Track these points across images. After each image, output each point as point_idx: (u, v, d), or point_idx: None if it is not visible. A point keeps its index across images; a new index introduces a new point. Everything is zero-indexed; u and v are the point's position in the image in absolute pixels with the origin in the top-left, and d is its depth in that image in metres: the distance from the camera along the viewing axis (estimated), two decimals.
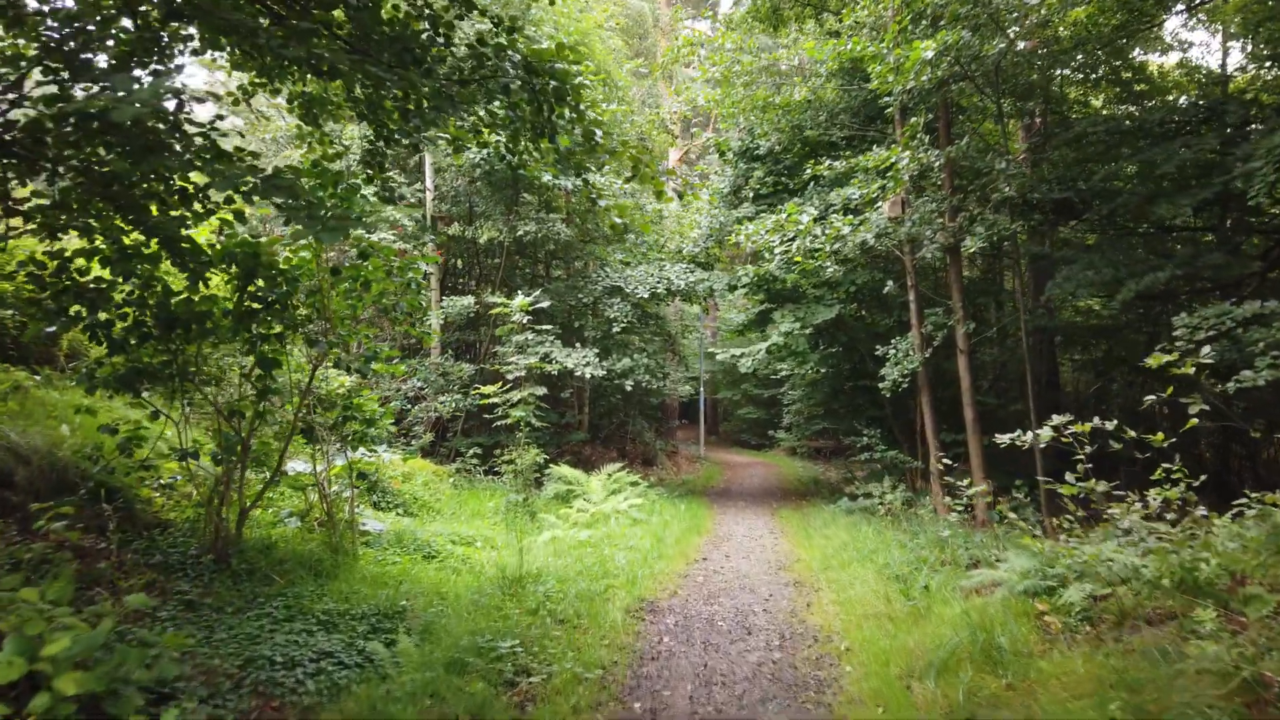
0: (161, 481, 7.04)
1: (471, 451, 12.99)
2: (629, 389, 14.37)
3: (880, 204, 10.43)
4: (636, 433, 22.89)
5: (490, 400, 11.55)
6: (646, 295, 14.74)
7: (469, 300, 13.58)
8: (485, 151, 13.08)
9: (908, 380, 11.82)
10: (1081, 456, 5.76)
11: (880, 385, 12.35)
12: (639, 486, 13.98)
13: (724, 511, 13.36)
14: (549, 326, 12.70)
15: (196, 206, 5.20)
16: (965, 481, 8.00)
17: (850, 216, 10.18)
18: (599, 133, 5.42)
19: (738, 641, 5.53)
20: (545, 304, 12.21)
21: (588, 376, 13.59)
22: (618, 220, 12.08)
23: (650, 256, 16.05)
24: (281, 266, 6.51)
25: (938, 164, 9.76)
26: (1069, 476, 5.46)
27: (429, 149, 14.17)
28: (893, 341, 12.40)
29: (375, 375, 13.37)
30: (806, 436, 26.87)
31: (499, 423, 12.19)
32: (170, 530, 6.69)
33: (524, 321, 11.74)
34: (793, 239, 10.45)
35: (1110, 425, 5.92)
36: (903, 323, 14.35)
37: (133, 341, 5.82)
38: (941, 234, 10.19)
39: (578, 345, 14.22)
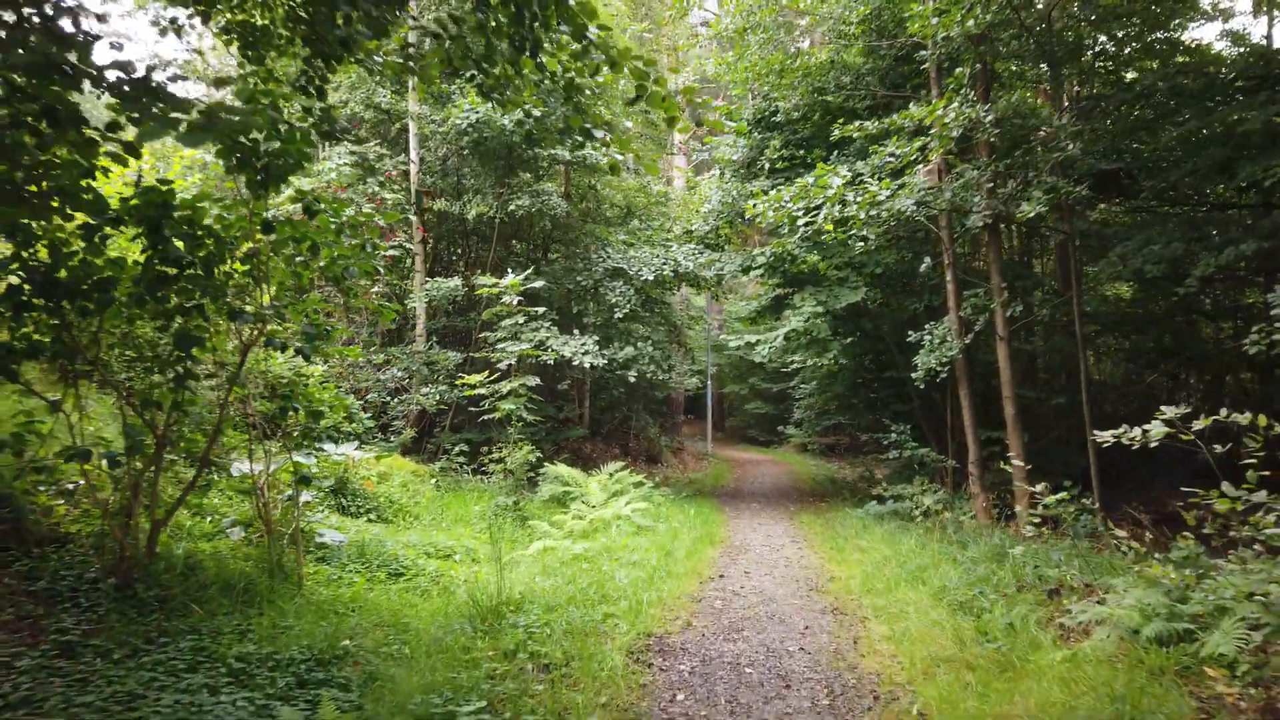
0: (61, 487, 5.77)
1: (458, 449, 11.71)
2: (632, 380, 13.10)
3: (918, 166, 9.11)
4: (640, 428, 21.62)
5: (477, 391, 10.26)
6: (651, 278, 13.44)
7: (456, 282, 12.28)
8: (473, 117, 11.79)
9: (946, 369, 10.51)
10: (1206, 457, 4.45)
11: (913, 376, 11.04)
12: (643, 487, 12.70)
13: (737, 516, 12.08)
14: (541, 308, 11.40)
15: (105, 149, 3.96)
16: (1039, 486, 6.70)
17: (887, 180, 8.85)
18: (593, 30, 4.12)
19: (774, 700, 4.24)
20: (538, 284, 10.91)
21: (587, 366, 12.30)
22: (618, 157, 10.83)
23: (655, 238, 14.73)
24: (209, 223, 5.24)
25: (988, 119, 8.43)
26: (1227, 486, 4.14)
27: (413, 117, 12.90)
28: (926, 326, 11.09)
29: (353, 364, 12.11)
30: (817, 432, 25.59)
31: (485, 417, 10.92)
32: (70, 547, 5.43)
33: (515, 304, 10.46)
34: (819, 207, 9.13)
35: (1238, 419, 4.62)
36: (933, 308, 13.03)
37: (4, 313, 4.55)
38: (990, 201, 8.86)
39: (576, 333, 12.94)
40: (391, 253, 11.88)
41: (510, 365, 12.36)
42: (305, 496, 7.50)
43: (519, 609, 5.65)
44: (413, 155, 13.29)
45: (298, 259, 5.77)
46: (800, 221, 9.38)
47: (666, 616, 5.82)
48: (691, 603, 6.28)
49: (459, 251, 14.54)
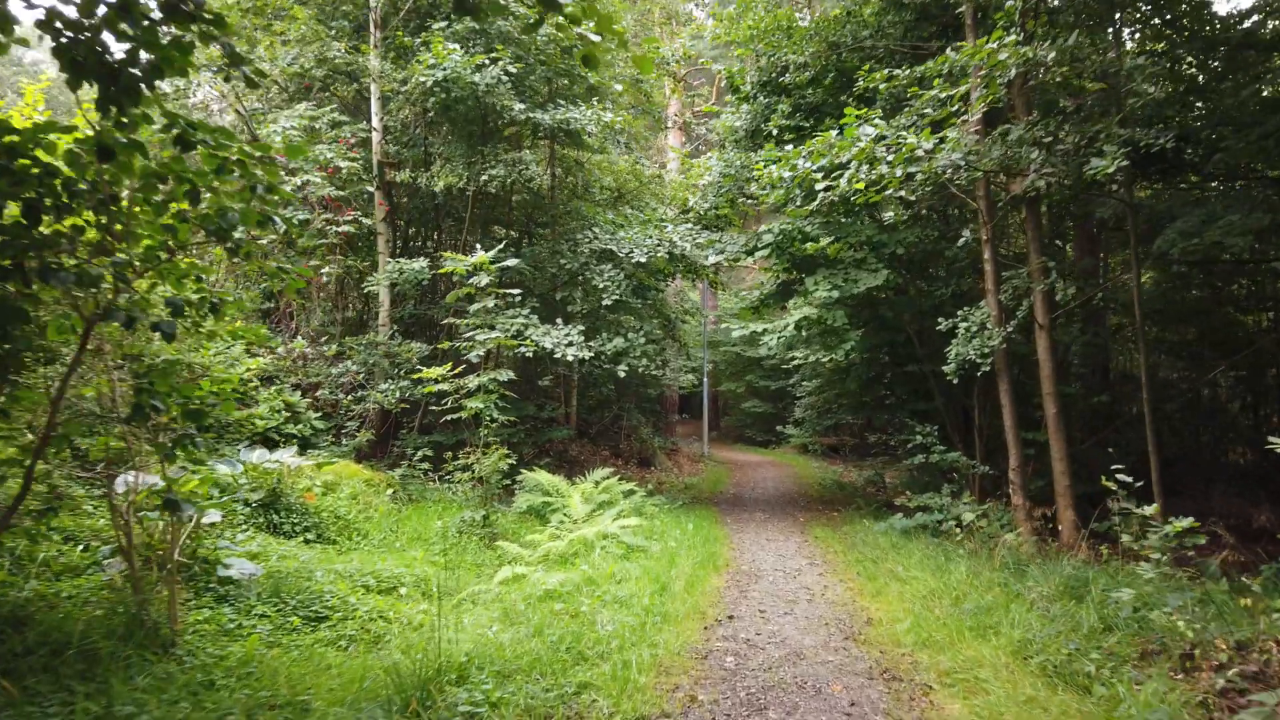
0: None
1: (420, 454, 10.19)
2: (622, 376, 11.62)
3: (962, 118, 7.63)
4: (632, 428, 20.16)
5: (438, 387, 8.75)
6: (644, 260, 11.95)
7: (422, 264, 10.75)
8: (439, 74, 10.25)
9: (989, 361, 9.07)
10: None
11: (945, 370, 9.59)
12: (634, 496, 11.21)
13: (741, 530, 10.60)
14: (517, 291, 9.88)
15: None
16: (1149, 511, 5.26)
17: (928, 130, 7.38)
18: None
19: None
20: (512, 262, 9.39)
21: (570, 359, 10.80)
22: (606, 117, 9.31)
23: (650, 217, 13.23)
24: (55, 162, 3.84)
25: (1049, 56, 6.96)
26: None
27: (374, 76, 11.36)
28: (961, 312, 9.63)
29: (301, 356, 10.56)
30: (819, 433, 24.16)
31: (448, 417, 9.41)
32: None
33: (485, 285, 8.94)
34: (842, 167, 7.65)
35: None
36: (962, 294, 11.59)
37: None
38: (1049, 158, 7.39)
39: (559, 322, 11.43)
40: (345, 228, 10.35)
41: (480, 358, 10.87)
42: (213, 516, 6.01)
43: (463, 678, 4.15)
44: (374, 120, 11.75)
45: (169, 207, 4.27)
46: (820, 185, 7.89)
47: (663, 686, 4.33)
48: (695, 661, 4.79)
49: (429, 232, 13.00)
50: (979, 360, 9.03)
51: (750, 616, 5.88)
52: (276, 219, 4.36)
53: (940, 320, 9.84)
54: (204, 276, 4.64)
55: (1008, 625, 5.08)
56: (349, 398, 10.15)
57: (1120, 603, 5.29)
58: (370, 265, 11.43)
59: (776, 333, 10.54)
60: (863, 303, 12.69)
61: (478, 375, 8.71)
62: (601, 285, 11.80)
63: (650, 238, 12.36)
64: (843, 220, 11.59)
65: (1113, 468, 5.29)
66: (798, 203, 9.55)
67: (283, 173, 10.71)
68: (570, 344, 11.05)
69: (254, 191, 4.30)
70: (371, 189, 11.06)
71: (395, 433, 11.93)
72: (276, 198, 4.40)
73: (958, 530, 8.39)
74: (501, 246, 8.91)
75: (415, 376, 8.55)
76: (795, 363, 20.85)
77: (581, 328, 11.43)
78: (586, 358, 11.15)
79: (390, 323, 11.82)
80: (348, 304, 12.08)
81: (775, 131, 11.50)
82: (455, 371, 8.77)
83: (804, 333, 10.81)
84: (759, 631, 5.47)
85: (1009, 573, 6.75)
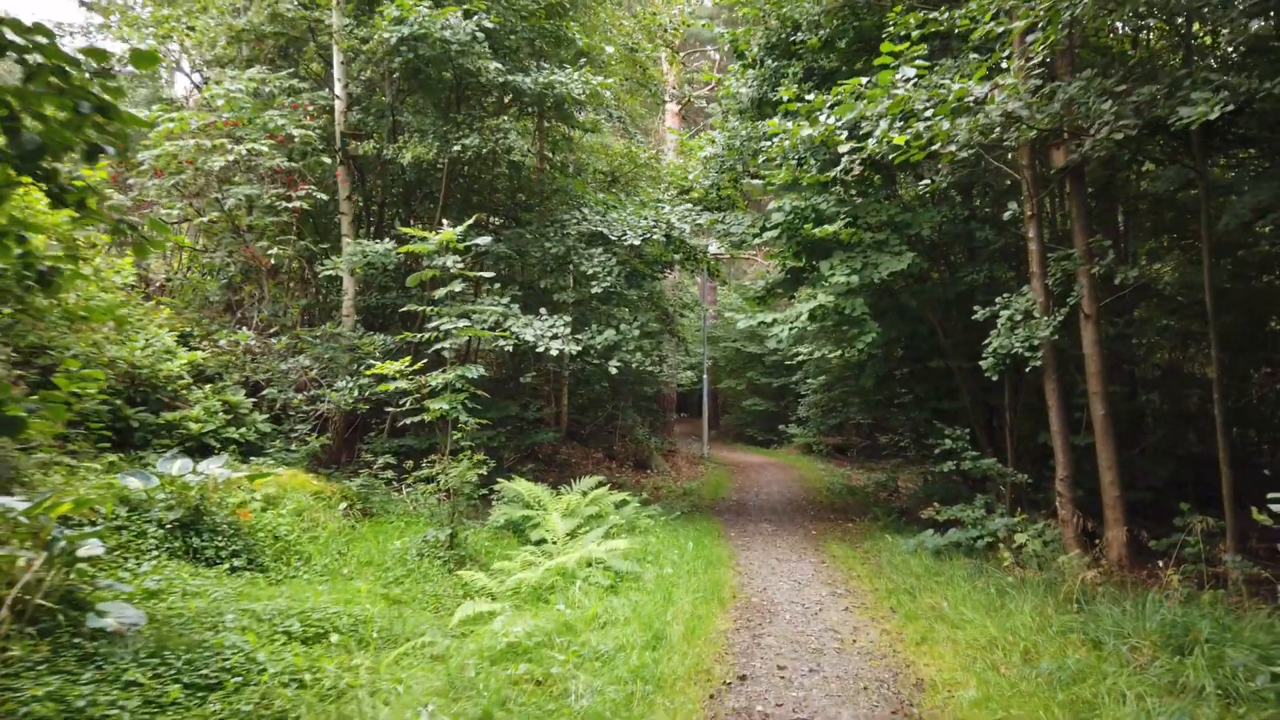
0: None
1: (382, 460, 8.94)
2: (614, 372, 10.37)
3: (1019, 62, 6.38)
4: (627, 429, 18.94)
5: (394, 385, 7.48)
6: (638, 242, 10.69)
7: (387, 245, 9.47)
8: (404, 30, 8.97)
9: (1038, 355, 7.85)
10: None
11: (982, 364, 8.36)
12: (628, 507, 9.99)
13: (748, 546, 9.36)
14: (490, 275, 8.61)
15: None
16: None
17: (981, 70, 6.12)
18: None
19: None
20: (484, 241, 8.12)
21: (554, 353, 9.56)
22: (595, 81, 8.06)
23: (646, 197, 11.98)
24: None
25: None
26: None
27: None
28: (1000, 300, 8.40)
29: (247, 349, 9.30)
30: (824, 432, 22.98)
31: (409, 420, 8.17)
32: None
33: (452, 267, 7.67)
34: (874, 127, 6.40)
35: None
36: (993, 281, 10.36)
37: None
38: (1121, 109, 6.13)
39: (544, 312, 10.19)
40: (298, 204, 9.07)
41: (453, 352, 9.63)
42: (94, 548, 4.80)
43: None
44: (337, 87, 10.47)
45: None
46: (844, 148, 6.64)
47: None
48: None
49: (400, 213, 11.71)
50: (1026, 354, 7.79)
51: (767, 676, 4.64)
52: (109, 149, 3.11)
53: (975, 309, 8.59)
54: (27, 235, 3.39)
55: (1109, 700, 3.85)
56: (300, 397, 8.88)
57: (1248, 668, 4.06)
58: (334, 249, 10.17)
59: (787, 323, 9.30)
60: (881, 291, 11.46)
61: (443, 371, 7.46)
62: (591, 271, 10.54)
63: (645, 219, 11.11)
64: (858, 199, 10.35)
65: (1268, 497, 4.04)
66: (814, 170, 8.29)
67: (228, 141, 9.51)
68: (555, 336, 9.81)
69: (79, 112, 3.04)
70: (329, 161, 9.78)
71: (362, 437, 10.69)
72: (116, 126, 3.15)
73: (1006, 555, 7.14)
74: (471, 222, 7.66)
75: (370, 373, 7.29)
76: (800, 359, 19.70)
77: (568, 318, 10.18)
78: (574, 352, 9.91)
79: (355, 313, 10.57)
80: (306, 291, 10.80)
81: (785, 99, 10.21)
82: (416, 367, 7.51)
83: (818, 324, 9.56)
84: (780, 701, 4.23)
85: (1082, 614, 5.52)
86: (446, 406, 7.43)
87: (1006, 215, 8.13)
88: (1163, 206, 11.14)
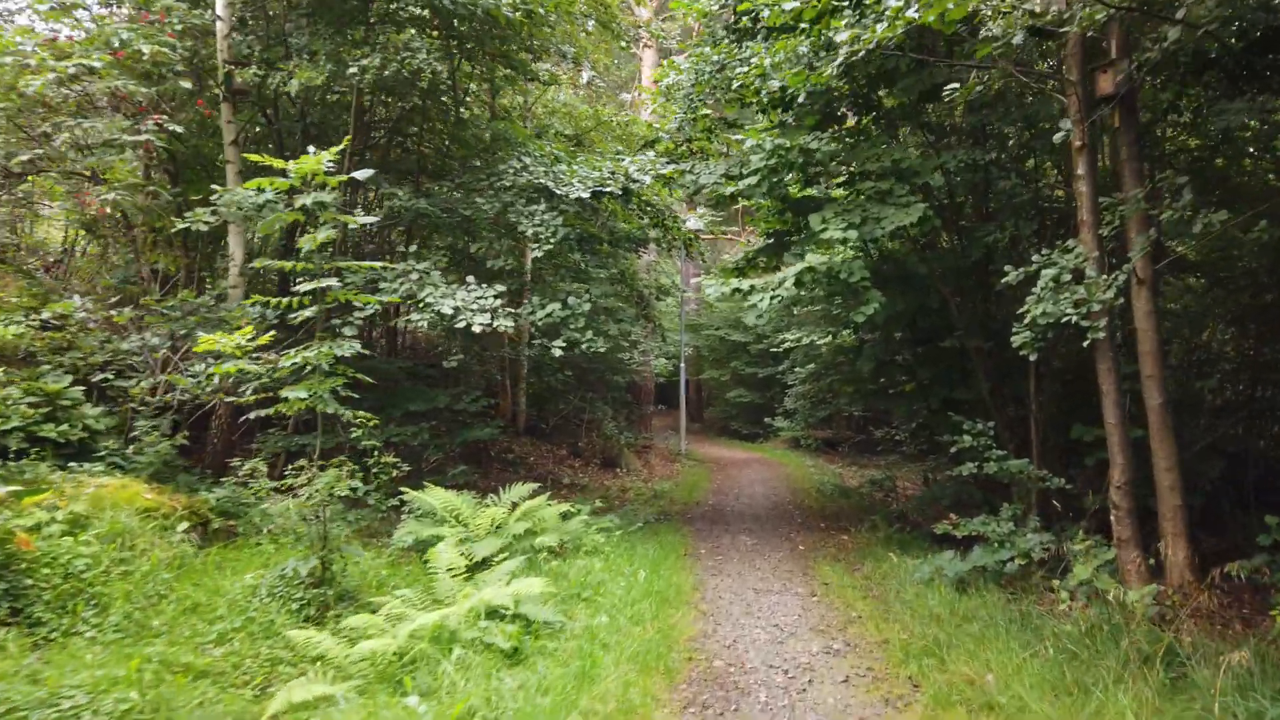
0: None
1: (250, 465, 6.99)
2: (558, 354, 8.45)
3: None
4: (596, 422, 17.05)
5: (235, 368, 5.52)
6: (586, 195, 8.77)
7: (267, 197, 7.49)
8: None
9: (1100, 325, 6.04)
10: None
11: (1016, 340, 6.52)
12: (575, 519, 8.16)
13: (719, 570, 7.50)
14: (372, 219, 6.64)
15: None
16: None
17: None
18: None
19: None
20: (363, 175, 6.13)
21: (476, 329, 7.64)
22: None
23: (605, 149, 10.03)
24: None
25: None
26: None
27: None
28: (1039, 257, 6.56)
29: (84, 325, 7.30)
30: (812, 425, 21.19)
31: (255, 414, 6.24)
32: None
33: (316, 208, 5.71)
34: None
35: None
36: (1019, 242, 8.53)
37: None
38: None
39: (470, 281, 8.27)
40: (148, 138, 7.08)
41: (361, 324, 7.76)
42: None
43: None
44: (218, 4, 8.45)
45: None
46: (842, 34, 4.74)
47: None
48: None
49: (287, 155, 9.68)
50: (1080, 323, 5.96)
51: None
52: None
53: (1005, 269, 6.73)
54: None
55: None
56: (141, 385, 6.90)
57: None
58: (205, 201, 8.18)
59: (768, 291, 7.40)
60: (881, 258, 9.62)
61: (303, 350, 5.52)
62: (531, 231, 8.61)
63: (599, 171, 9.19)
64: (857, 141, 8.49)
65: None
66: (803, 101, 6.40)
67: (52, 57, 7.51)
68: (481, 309, 7.89)
69: None
70: (190, 86, 7.77)
71: (252, 434, 8.76)
72: None
73: (1061, 595, 5.31)
74: (343, 146, 5.70)
75: (201, 348, 5.34)
76: (786, 346, 17.83)
77: (501, 288, 8.27)
78: (507, 328, 7.99)
79: (244, 281, 8.61)
80: (187, 254, 8.81)
81: (764, 24, 8.26)
82: (261, 341, 5.55)
83: (807, 293, 7.68)
84: None
85: (1183, 695, 3.69)
86: (306, 395, 5.48)
87: (1059, 136, 6.26)
88: (1205, 161, 9.26)
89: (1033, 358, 6.52)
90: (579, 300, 8.67)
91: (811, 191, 9.64)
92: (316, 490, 5.60)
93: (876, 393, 11.68)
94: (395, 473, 8.00)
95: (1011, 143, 8.44)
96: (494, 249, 9.00)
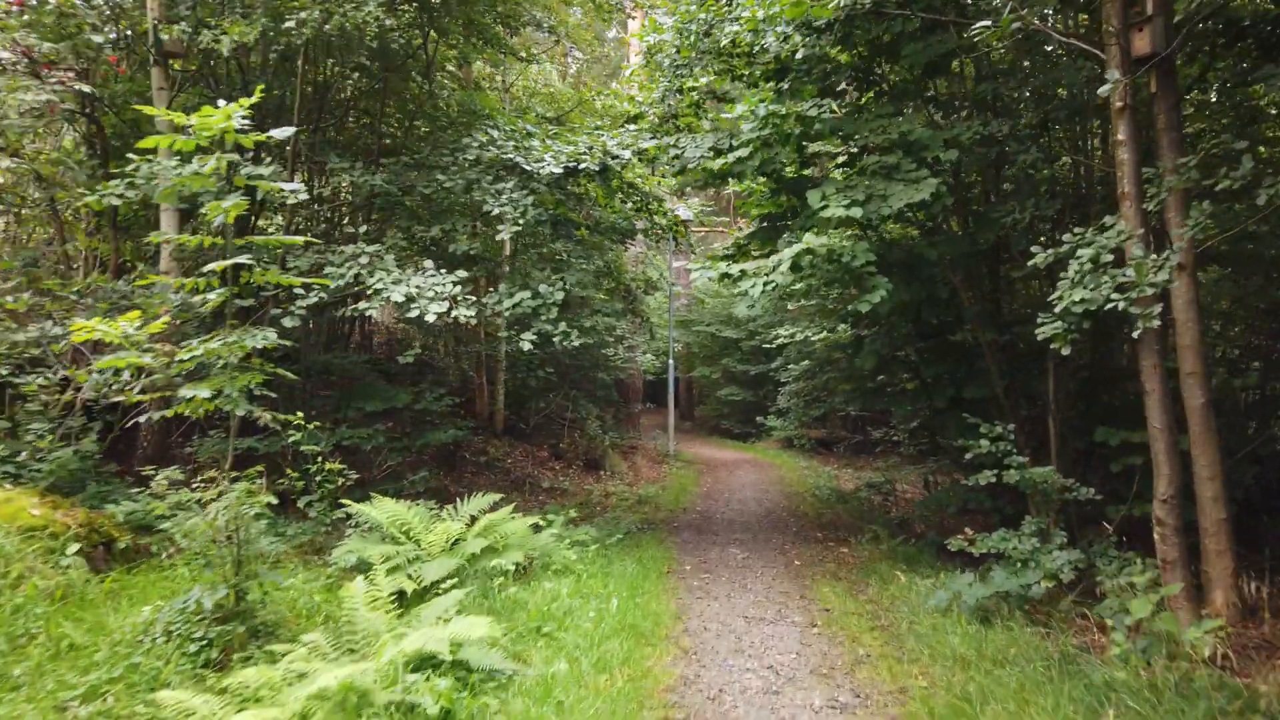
0: None
1: (165, 476, 6.06)
2: (528, 348, 7.56)
3: None
4: (579, 421, 16.20)
5: (122, 361, 4.60)
6: (559, 171, 7.89)
7: (210, 165, 6.56)
8: None
9: (1151, 313, 5.22)
10: None
11: (1043, 334, 5.68)
12: (545, 532, 7.31)
13: (705, 592, 6.63)
14: (295, 185, 5.74)
15: None
16: None
17: None
18: None
19: None
20: (283, 134, 5.21)
21: (430, 318, 6.75)
22: None
23: (580, 124, 9.12)
24: None
25: None
26: None
27: None
28: (1071, 236, 5.72)
29: None
30: (806, 424, 20.39)
31: (149, 417, 5.32)
32: None
33: (234, 163, 4.80)
34: None
35: None
36: (1040, 223, 7.70)
37: None
38: None
39: (428, 266, 7.38)
40: (49, 98, 6.14)
41: (303, 313, 6.88)
42: None
43: None
44: None
45: None
46: None
47: None
48: None
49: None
50: (1129, 309, 5.13)
51: None
52: None
53: (1034, 249, 5.89)
54: None
55: None
56: (33, 381, 5.97)
57: None
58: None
59: (761, 277, 6.52)
60: (885, 245, 8.75)
61: (207, 340, 4.62)
62: (497, 210, 7.71)
63: (575, 145, 8.30)
64: (850, 114, 7.64)
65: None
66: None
67: None
68: (437, 297, 7.00)
69: None
70: (100, 41, 6.83)
71: (194, 436, 7.85)
72: None
73: (1118, 641, 4.46)
74: (257, 100, 4.79)
75: (76, 334, 4.42)
76: (780, 342, 16.99)
77: (463, 274, 7.37)
78: (467, 318, 7.09)
79: (178, 265, 7.68)
80: (102, 232, 7.86)
81: None
82: (155, 328, 4.64)
83: (804, 278, 6.81)
84: None
85: None
86: (209, 395, 4.57)
87: (1103, 89, 5.42)
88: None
89: (1065, 351, 5.66)
90: (551, 289, 7.78)
91: (809, 173, 8.81)
92: (226, 507, 4.70)
93: (876, 391, 10.83)
94: (341, 481, 7.14)
95: (1028, 115, 7.58)
96: (457, 232, 8.09)
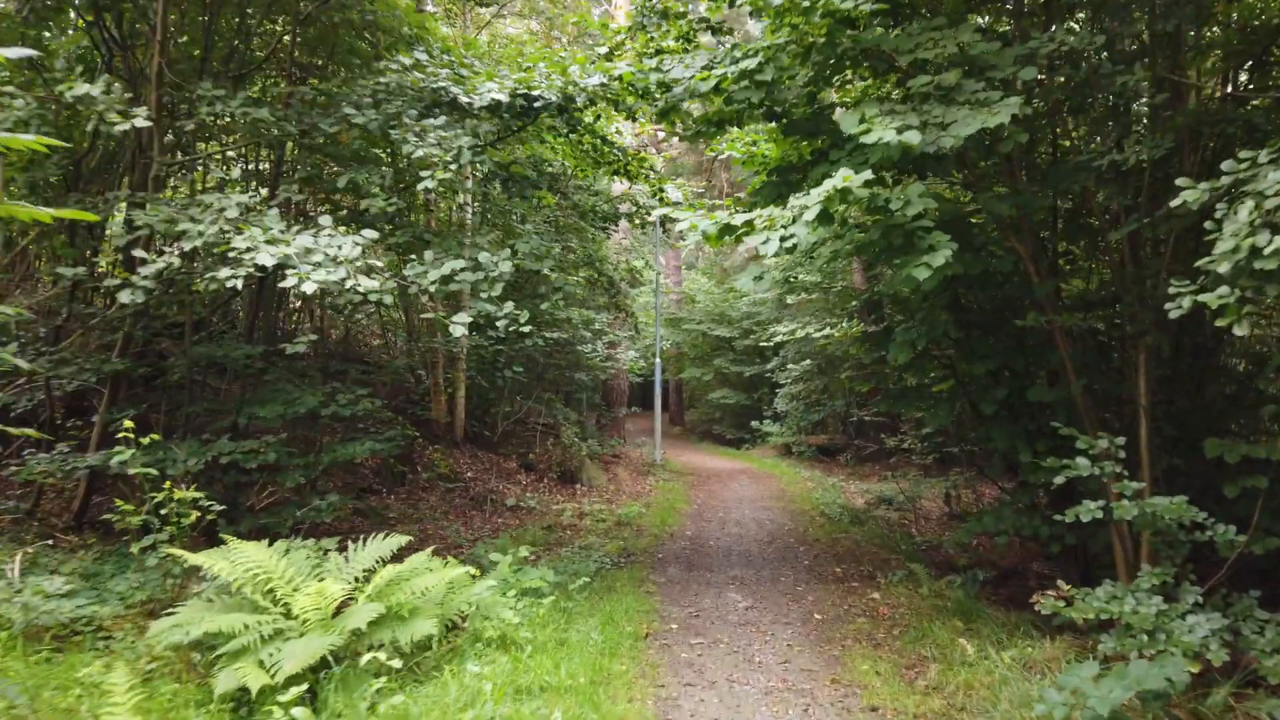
0: None
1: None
2: (458, 334, 5.67)
3: None
4: (554, 427, 14.30)
5: None
6: (504, 98, 5.97)
7: (96, 90, 4.62)
8: None
9: None
10: None
11: (1212, 304, 3.79)
12: (484, 582, 5.43)
13: (696, 668, 4.71)
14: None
15: None
16: None
17: None
18: None
19: None
20: (20, 54, 3.11)
21: (309, 290, 4.81)
22: None
23: (544, 58, 7.18)
24: None
25: None
26: None
27: None
28: (1228, 175, 3.84)
29: None
30: (805, 430, 18.59)
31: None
32: None
33: None
34: None
35: None
36: (1124, 179, 5.82)
37: None
38: None
39: (324, 223, 5.45)
40: None
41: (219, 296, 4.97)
42: None
43: None
44: None
45: None
46: None
47: None
48: None
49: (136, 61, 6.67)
50: None
51: None
52: None
53: (1182, 181, 4.01)
54: None
55: None
56: None
57: None
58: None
59: (776, 230, 4.60)
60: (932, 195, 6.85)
61: None
62: (422, 153, 5.78)
63: (527, 69, 6.38)
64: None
65: None
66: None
67: None
68: (331, 260, 5.06)
69: None
70: None
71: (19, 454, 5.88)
72: None
73: None
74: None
75: None
76: (778, 340, 15.09)
77: (370, 234, 5.44)
78: (371, 291, 5.15)
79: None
80: None
81: None
82: None
83: (835, 236, 4.90)
84: None
85: None
86: None
87: None
88: None
89: (1241, 331, 3.77)
90: (493, 257, 5.84)
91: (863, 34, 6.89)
92: None
93: (905, 393, 8.93)
94: (196, 515, 5.20)
95: (1136, 22, 5.71)
96: (371, 183, 6.14)
